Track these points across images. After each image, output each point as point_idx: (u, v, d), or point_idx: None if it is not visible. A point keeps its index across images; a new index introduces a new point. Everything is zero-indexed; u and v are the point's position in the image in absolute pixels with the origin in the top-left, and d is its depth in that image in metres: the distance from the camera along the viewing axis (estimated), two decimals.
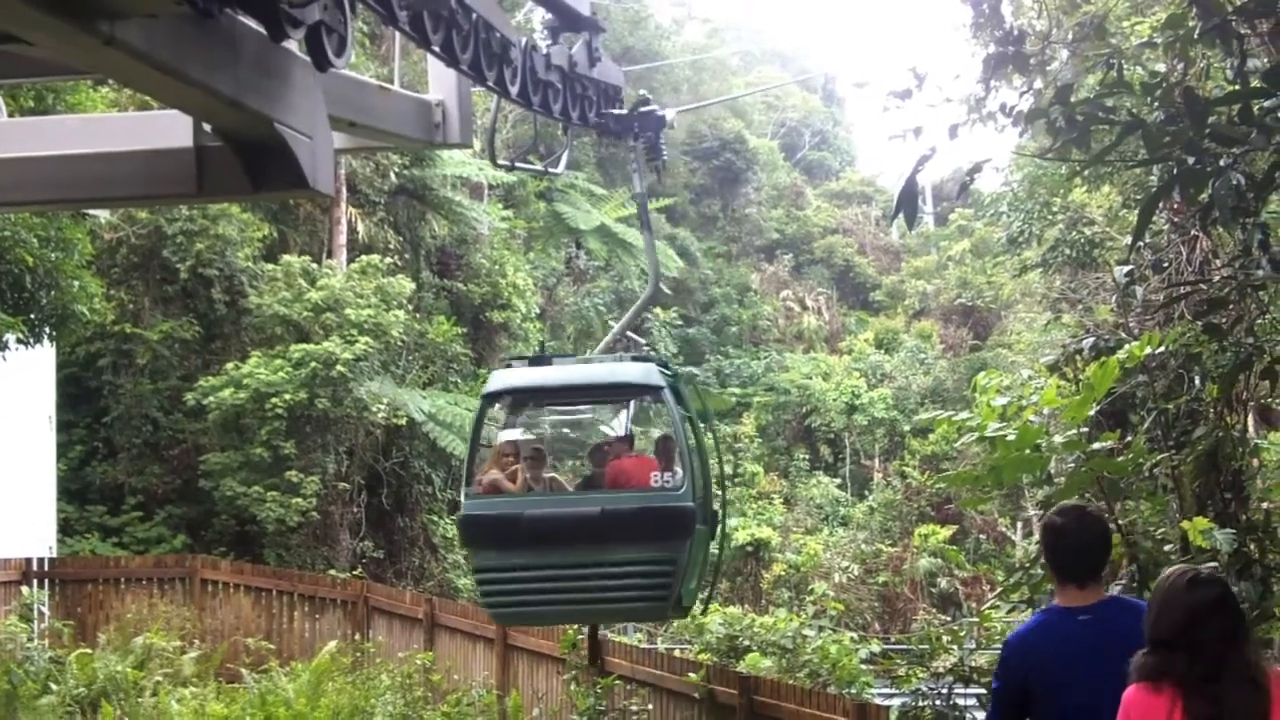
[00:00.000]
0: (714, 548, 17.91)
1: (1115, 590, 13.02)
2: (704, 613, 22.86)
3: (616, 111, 18.12)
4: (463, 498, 17.13)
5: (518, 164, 20.95)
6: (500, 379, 17.31)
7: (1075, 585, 7.61)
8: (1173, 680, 6.27)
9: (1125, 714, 6.44)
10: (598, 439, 18.94)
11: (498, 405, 17.62)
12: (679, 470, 15.96)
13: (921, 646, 15.70)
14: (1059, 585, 7.77)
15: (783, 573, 46.38)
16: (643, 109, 19.17)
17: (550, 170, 21.49)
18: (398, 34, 12.23)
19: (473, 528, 16.79)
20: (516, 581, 16.29)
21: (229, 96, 8.93)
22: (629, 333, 19.96)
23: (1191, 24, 10.59)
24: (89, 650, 25.32)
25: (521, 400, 17.76)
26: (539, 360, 17.41)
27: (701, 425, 17.37)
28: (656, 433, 18.31)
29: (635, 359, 17.12)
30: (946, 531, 49.10)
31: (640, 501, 15.85)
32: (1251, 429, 17.90)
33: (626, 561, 15.84)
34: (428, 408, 37.89)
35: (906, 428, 58.71)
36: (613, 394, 17.54)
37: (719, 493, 18.03)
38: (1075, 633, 7.52)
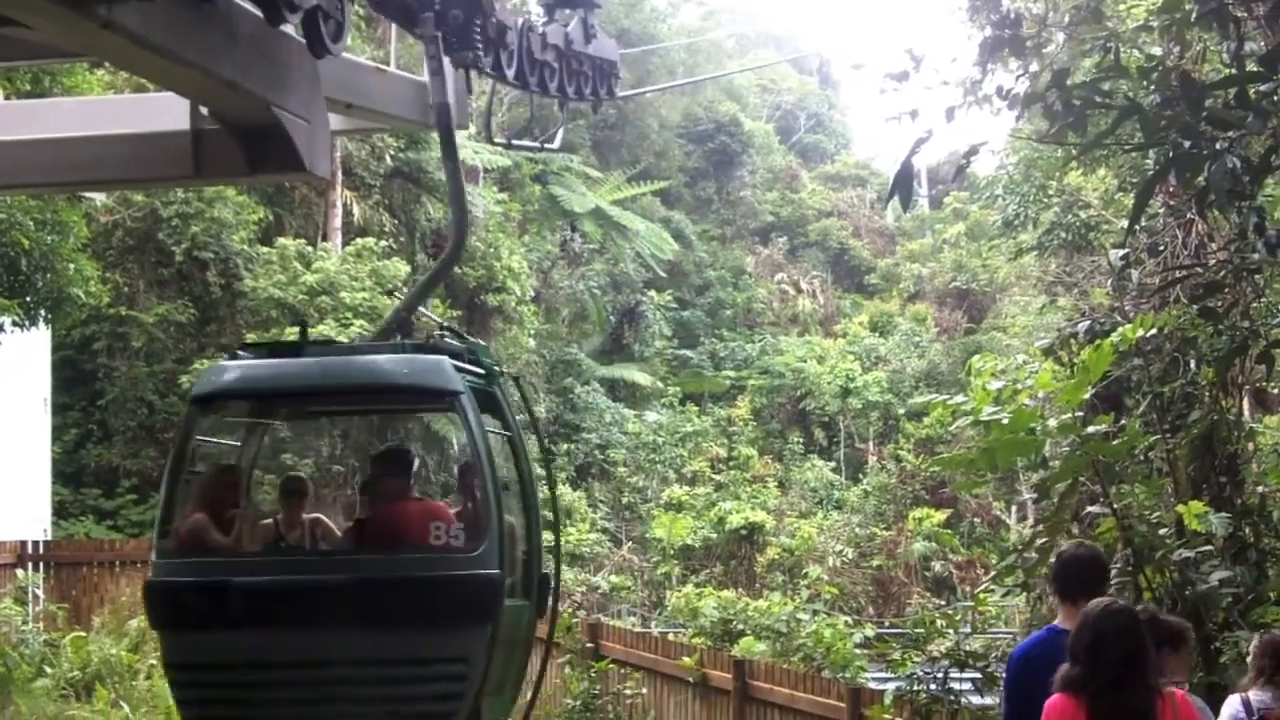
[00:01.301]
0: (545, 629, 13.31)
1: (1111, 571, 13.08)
2: None
3: None
4: (152, 555, 12.07)
5: (514, 142, 20.89)
6: (216, 377, 11.92)
7: (1073, 605, 8.23)
8: (1083, 690, 7.35)
9: (1046, 716, 7.47)
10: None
11: (214, 414, 12.35)
12: (485, 522, 11.09)
13: (916, 631, 15.66)
14: (1060, 606, 8.60)
15: (777, 556, 46.36)
16: None
17: (546, 147, 21.14)
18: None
19: (158, 601, 11.44)
20: (222, 686, 11.22)
21: (226, 80, 8.95)
22: (432, 315, 15.27)
23: (1188, 7, 10.60)
24: (83, 633, 25.33)
25: (249, 409, 12.91)
26: (282, 349, 12.70)
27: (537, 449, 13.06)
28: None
29: (418, 349, 11.63)
30: (941, 515, 49.11)
31: (413, 568, 11.08)
32: (1247, 413, 17.93)
33: (392, 659, 10.90)
34: None
35: (901, 411, 58.69)
36: (381, 400, 12.88)
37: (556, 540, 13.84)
38: None
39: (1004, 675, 9.23)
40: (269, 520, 12.23)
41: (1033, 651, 8.53)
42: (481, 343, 12.90)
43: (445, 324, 12.97)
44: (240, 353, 12.04)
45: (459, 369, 11.33)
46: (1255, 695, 10.07)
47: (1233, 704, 10.13)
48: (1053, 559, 11.81)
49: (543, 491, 13.52)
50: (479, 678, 10.84)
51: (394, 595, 10.74)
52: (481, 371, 11.92)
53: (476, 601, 10.83)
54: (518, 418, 12.65)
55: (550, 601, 12.59)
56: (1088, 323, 15.41)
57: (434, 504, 12.04)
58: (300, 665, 10.89)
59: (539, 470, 14.22)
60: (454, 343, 12.09)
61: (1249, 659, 10.63)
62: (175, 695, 11.72)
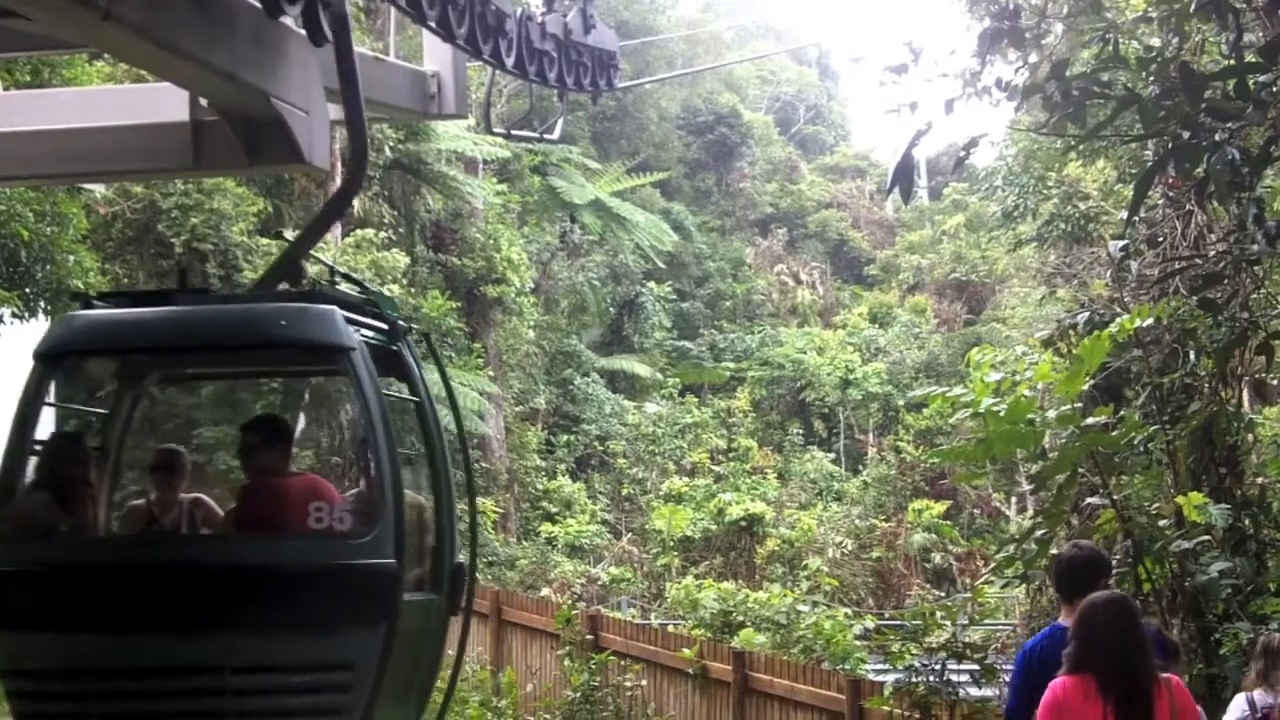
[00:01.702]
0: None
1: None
2: None
3: None
4: None
5: (513, 132, 20.87)
6: (63, 330, 10.07)
7: (1069, 604, 8.75)
8: (1090, 670, 7.74)
9: (1057, 694, 7.81)
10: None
11: (62, 374, 10.42)
12: (379, 502, 9.37)
13: (914, 622, 15.66)
14: (1063, 606, 8.96)
15: (776, 548, 46.33)
16: None
17: (546, 137, 21.00)
18: (393, 8, 12.24)
19: None
20: (61, 698, 9.39)
21: (226, 71, 8.95)
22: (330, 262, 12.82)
23: None
24: None
25: (103, 368, 11.24)
26: (145, 299, 10.70)
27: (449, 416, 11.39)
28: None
29: (306, 298, 9.94)
30: (940, 507, 49.10)
31: (287, 557, 9.30)
32: (1246, 404, 17.95)
33: (263, 666, 9.12)
34: None
35: (901, 402, 58.63)
36: (256, 358, 11.20)
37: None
38: None
39: (1011, 670, 9.67)
40: (140, 502, 10.66)
41: (1039, 648, 8.88)
42: (387, 294, 11.22)
43: (342, 270, 11.16)
44: (95, 302, 10.22)
45: (353, 322, 9.63)
46: (1259, 696, 10.15)
47: (1239, 702, 10.20)
48: (1052, 553, 12.04)
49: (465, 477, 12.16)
50: (370, 687, 9.08)
51: (263, 590, 8.99)
52: (384, 327, 10.23)
53: (366, 597, 9.10)
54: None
55: (466, 595, 10.73)
56: (1087, 314, 15.44)
57: (316, 480, 10.18)
58: (153, 673, 9.07)
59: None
60: (350, 292, 10.48)
61: (1252, 660, 10.72)
62: (11, 707, 9.43)
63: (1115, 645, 7.73)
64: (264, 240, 36.56)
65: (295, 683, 9.07)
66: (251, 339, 9.76)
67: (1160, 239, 16.28)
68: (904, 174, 10.99)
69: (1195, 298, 14.08)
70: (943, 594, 41.41)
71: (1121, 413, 14.21)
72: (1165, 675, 7.92)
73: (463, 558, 10.63)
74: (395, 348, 10.33)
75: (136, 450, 11.70)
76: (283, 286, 10.33)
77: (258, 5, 8.86)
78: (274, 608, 8.94)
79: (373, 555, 9.12)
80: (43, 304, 22.27)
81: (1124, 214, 16.97)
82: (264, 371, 13.67)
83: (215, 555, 9.58)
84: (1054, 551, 13.23)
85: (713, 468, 55.38)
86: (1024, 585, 16.61)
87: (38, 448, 9.75)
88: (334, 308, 9.58)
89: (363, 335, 9.63)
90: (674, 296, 66.66)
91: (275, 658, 9.03)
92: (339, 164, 38.69)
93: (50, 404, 10.18)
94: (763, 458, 58.43)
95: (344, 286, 10.76)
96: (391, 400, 9.91)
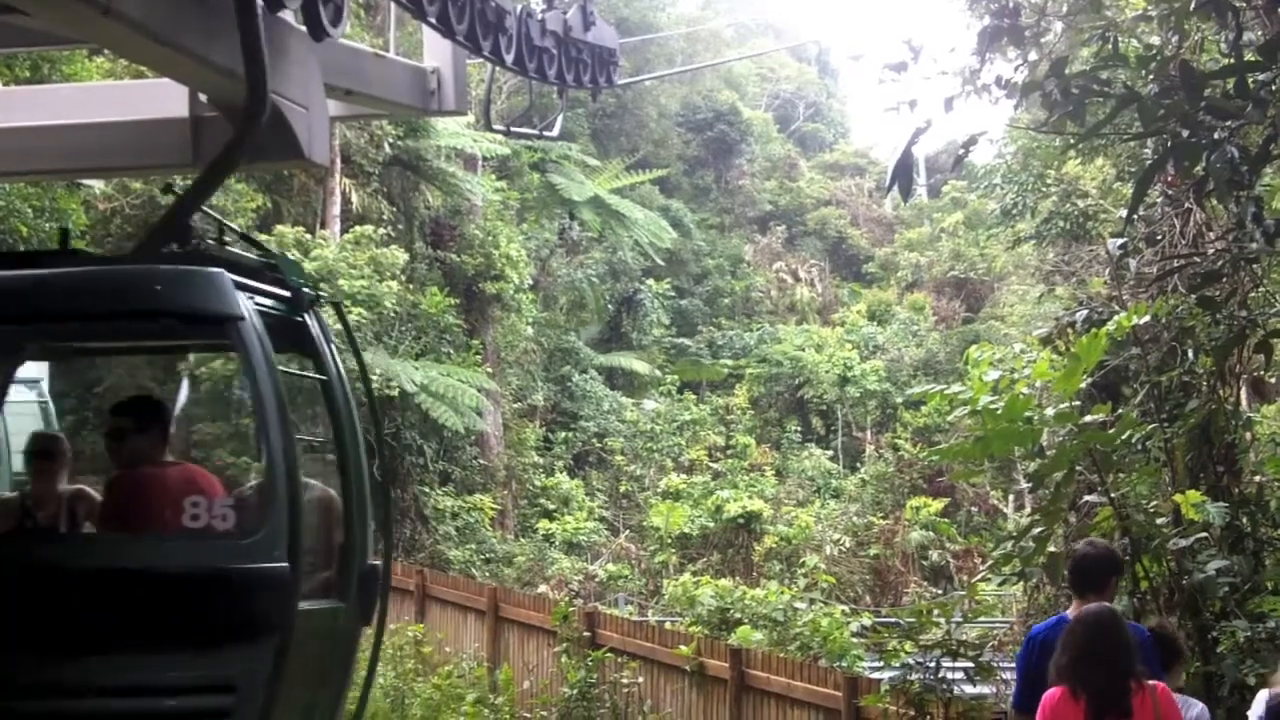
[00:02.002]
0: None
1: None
2: None
3: None
4: None
5: (513, 129, 20.86)
6: None
7: (1080, 599, 9.36)
8: (1075, 679, 8.43)
9: (1048, 705, 8.52)
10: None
11: None
12: (269, 496, 8.23)
13: (910, 620, 15.65)
14: (1075, 599, 9.52)
15: (774, 545, 46.28)
16: None
17: (545, 134, 20.93)
18: (393, 4, 12.25)
19: None
20: None
21: (225, 67, 8.94)
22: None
23: None
24: None
25: None
26: (6, 260, 10.56)
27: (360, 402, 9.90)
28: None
29: (190, 259, 8.77)
30: (938, 504, 49.04)
31: (159, 558, 8.08)
32: (1244, 402, 17.96)
33: (130, 687, 7.92)
34: (420, 379, 37.93)
35: (899, 400, 58.67)
36: (130, 329, 9.56)
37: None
38: None
39: (1008, 665, 10.21)
40: (12, 494, 9.89)
41: (1046, 635, 9.46)
42: (291, 258, 10.16)
43: (234, 228, 9.55)
44: None
45: (245, 288, 8.44)
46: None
47: (1262, 698, 10.20)
48: (1050, 551, 12.14)
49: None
50: (259, 711, 7.97)
51: (130, 599, 7.79)
52: (286, 295, 9.00)
53: (252, 606, 7.95)
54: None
55: (380, 602, 9.55)
56: (1085, 312, 15.44)
57: (194, 471, 8.87)
58: (4, 694, 7.84)
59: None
60: (246, 255, 9.23)
61: None
62: None
63: (1093, 660, 8.40)
64: (263, 236, 36.57)
65: (167, 707, 7.92)
66: (120, 307, 8.43)
67: (1159, 237, 16.28)
68: (903, 172, 11.00)
69: (1194, 296, 14.09)
70: (940, 591, 41.44)
71: (1119, 410, 14.20)
72: (1152, 683, 8.48)
73: (377, 560, 9.47)
74: (300, 319, 9.11)
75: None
76: (169, 249, 8.95)
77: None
78: (142, 619, 7.80)
79: (260, 558, 7.96)
80: None
81: (1123, 212, 16.98)
82: (142, 346, 12.13)
83: (78, 558, 8.29)
84: (1051, 550, 13.27)
85: (710, 465, 55.37)
86: (1021, 583, 16.59)
87: None
88: (221, 271, 8.37)
89: (258, 304, 8.49)
90: (673, 293, 66.69)
91: (144, 678, 7.85)
92: (338, 160, 38.85)
93: None
94: (761, 455, 58.42)
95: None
96: (293, 378, 8.83)
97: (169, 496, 8.30)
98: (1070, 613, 9.40)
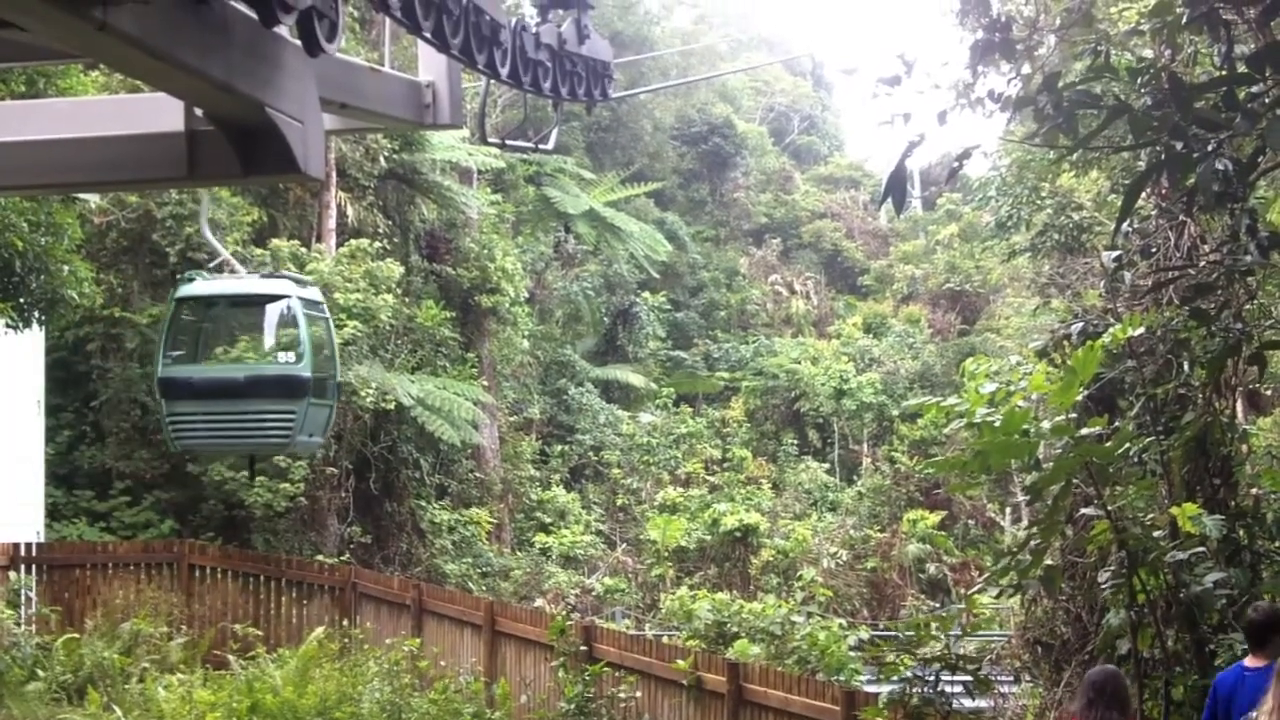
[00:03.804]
0: None
1: (1103, 576, 13.17)
2: None
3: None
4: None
5: (508, 142, 20.87)
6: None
7: (1258, 653, 11.25)
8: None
9: None
10: None
11: None
12: None
13: (908, 633, 15.63)
14: (1251, 653, 11.43)
15: (771, 558, 46.31)
16: None
17: (540, 147, 20.92)
18: (388, 19, 12.25)
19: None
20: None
21: (221, 81, 8.94)
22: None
23: (1179, 10, 10.63)
24: (76, 636, 25.35)
25: None
26: None
27: None
28: None
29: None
30: (935, 517, 49.09)
31: None
32: (1240, 414, 17.97)
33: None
34: (416, 392, 37.92)
35: (895, 413, 58.74)
36: None
37: None
38: (1252, 680, 10.96)
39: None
40: None
41: (1228, 682, 11.36)
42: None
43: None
44: None
45: None
46: None
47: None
48: (1047, 564, 12.52)
49: None
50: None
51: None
52: None
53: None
54: None
55: None
56: (1081, 324, 15.47)
57: None
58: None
59: None
60: None
61: None
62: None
63: (1097, 705, 10.63)
64: (259, 250, 36.61)
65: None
66: None
67: (1153, 249, 16.29)
68: (896, 185, 11.03)
69: (1188, 308, 14.11)
70: (937, 604, 41.44)
71: (1115, 423, 14.21)
72: None
73: None
74: None
75: None
76: None
77: (253, 16, 8.87)
78: None
79: None
80: (37, 314, 22.30)
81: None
82: None
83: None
84: (1048, 562, 13.27)
85: (707, 478, 55.41)
86: (1018, 596, 16.59)
87: None
88: None
89: None
90: (668, 306, 66.78)
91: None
92: (333, 173, 38.86)
93: None
94: (757, 468, 58.46)
95: None
96: None
97: None
98: (1247, 663, 11.28)
